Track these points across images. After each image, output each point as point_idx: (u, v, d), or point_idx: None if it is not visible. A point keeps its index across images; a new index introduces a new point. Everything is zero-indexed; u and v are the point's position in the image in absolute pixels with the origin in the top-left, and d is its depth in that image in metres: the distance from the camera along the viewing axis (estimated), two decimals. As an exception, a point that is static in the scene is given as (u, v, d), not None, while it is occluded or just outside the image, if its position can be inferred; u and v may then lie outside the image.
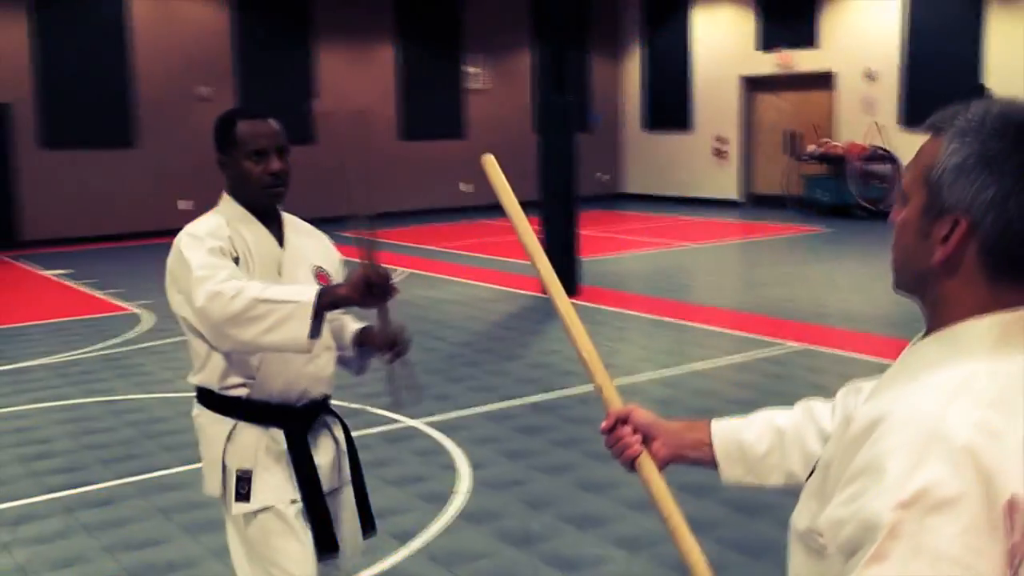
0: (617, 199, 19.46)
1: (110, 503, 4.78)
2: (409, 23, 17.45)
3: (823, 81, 16.47)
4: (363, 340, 2.73)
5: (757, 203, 17.58)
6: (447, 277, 11.06)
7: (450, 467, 5.21)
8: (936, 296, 1.17)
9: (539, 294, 9.72)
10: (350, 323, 2.78)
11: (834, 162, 15.72)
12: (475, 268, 11.70)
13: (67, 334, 8.55)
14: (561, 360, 7.23)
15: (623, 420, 1.60)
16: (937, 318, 1.17)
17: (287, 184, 2.63)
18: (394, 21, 17.36)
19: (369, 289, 2.31)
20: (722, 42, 17.81)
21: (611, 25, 19.66)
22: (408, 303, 9.33)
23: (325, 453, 2.67)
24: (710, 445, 1.58)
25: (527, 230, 1.85)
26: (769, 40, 17.02)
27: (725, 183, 18.05)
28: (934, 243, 1.14)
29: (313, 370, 2.59)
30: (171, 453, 5.44)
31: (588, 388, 6.51)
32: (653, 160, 19.21)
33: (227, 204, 2.62)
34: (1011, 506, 1.01)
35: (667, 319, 8.65)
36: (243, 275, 2.43)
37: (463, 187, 17.85)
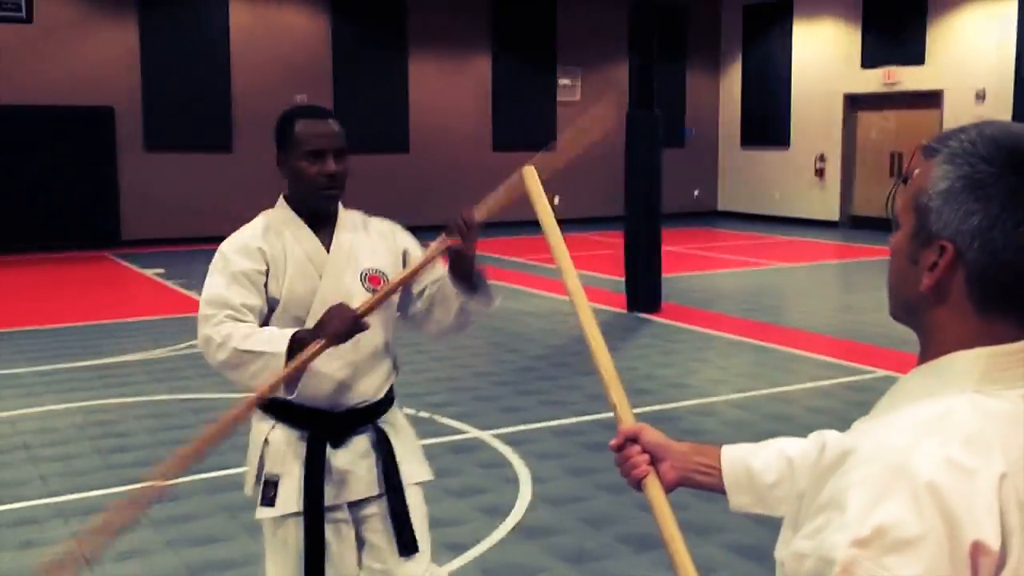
0: (711, 216, 19.21)
1: (178, 498, 4.89)
2: (504, 33, 17.57)
3: (930, 100, 15.97)
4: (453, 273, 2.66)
5: (856, 224, 17.13)
6: (529, 289, 11.07)
7: (512, 480, 5.19)
8: (926, 325, 1.13)
9: (622, 310, 9.66)
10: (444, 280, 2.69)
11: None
12: (559, 281, 11.63)
13: (156, 331, 8.81)
14: (636, 378, 7.14)
15: (632, 439, 1.57)
16: (927, 348, 1.13)
17: (342, 187, 2.61)
18: (489, 31, 17.50)
19: (336, 339, 2.37)
20: (824, 58, 17.46)
21: (710, 39, 19.45)
22: (489, 315, 9.35)
23: (358, 462, 2.64)
24: (719, 470, 1.56)
25: (560, 244, 1.89)
26: (874, 56, 16.60)
27: (823, 203, 17.64)
28: (922, 270, 1.11)
29: (344, 378, 2.57)
30: (242, 452, 5.51)
31: (659, 407, 6.44)
32: (749, 177, 18.92)
33: (279, 208, 2.66)
34: (976, 550, 0.97)
35: (750, 340, 8.47)
36: (253, 303, 2.51)
37: (554, 199, 17.86)
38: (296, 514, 2.56)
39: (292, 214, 2.62)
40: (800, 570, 1.03)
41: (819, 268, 13.11)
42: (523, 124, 17.79)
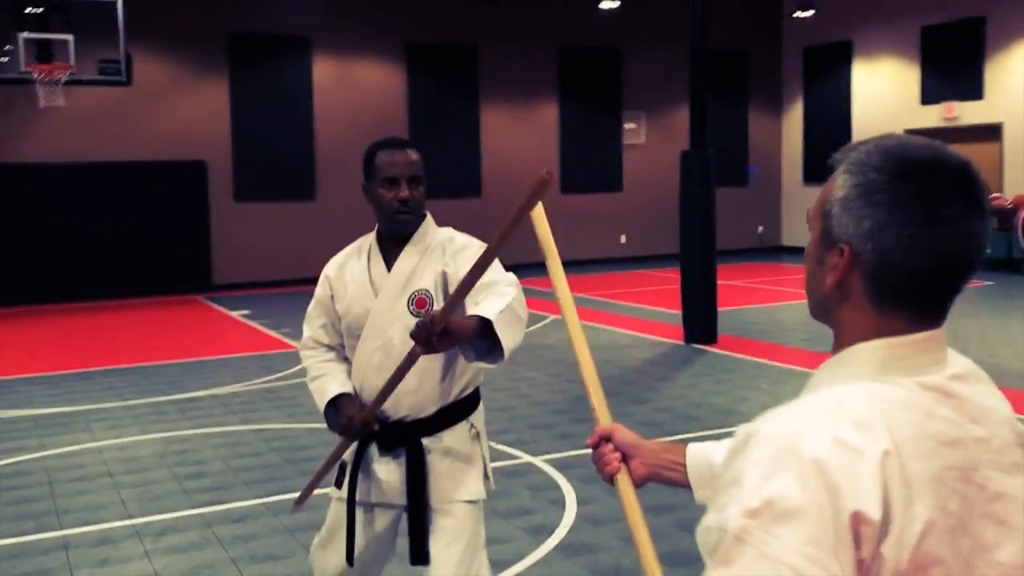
0: (776, 252, 19.27)
1: (244, 519, 5.27)
2: (571, 80, 18.02)
3: (990, 133, 15.93)
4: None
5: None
6: (591, 323, 11.33)
7: (559, 502, 5.43)
8: (834, 321, 1.21)
9: (678, 342, 9.87)
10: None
11: (1002, 216, 15.12)
12: (620, 316, 11.93)
13: (236, 368, 9.33)
14: (685, 405, 7.36)
15: (606, 438, 1.65)
16: (836, 342, 1.21)
17: (414, 212, 2.78)
18: (556, 78, 17.97)
19: (348, 432, 2.79)
20: (884, 95, 17.52)
21: (772, 80, 19.63)
22: (548, 347, 9.70)
23: (393, 471, 2.83)
24: (684, 467, 1.61)
25: (559, 274, 1.95)
26: (933, 93, 16.64)
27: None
28: (827, 271, 1.18)
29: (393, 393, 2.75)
30: (307, 477, 5.91)
31: (705, 433, 6.63)
32: (813, 213, 18.95)
33: (372, 232, 2.95)
34: (856, 520, 1.03)
35: (804, 369, 8.59)
36: (326, 321, 2.97)
37: (621, 238, 18.14)
38: (340, 499, 2.92)
39: (373, 238, 2.91)
40: (708, 542, 1.10)
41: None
42: (590, 167, 18.17)
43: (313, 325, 2.97)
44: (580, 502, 5.38)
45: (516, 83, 17.62)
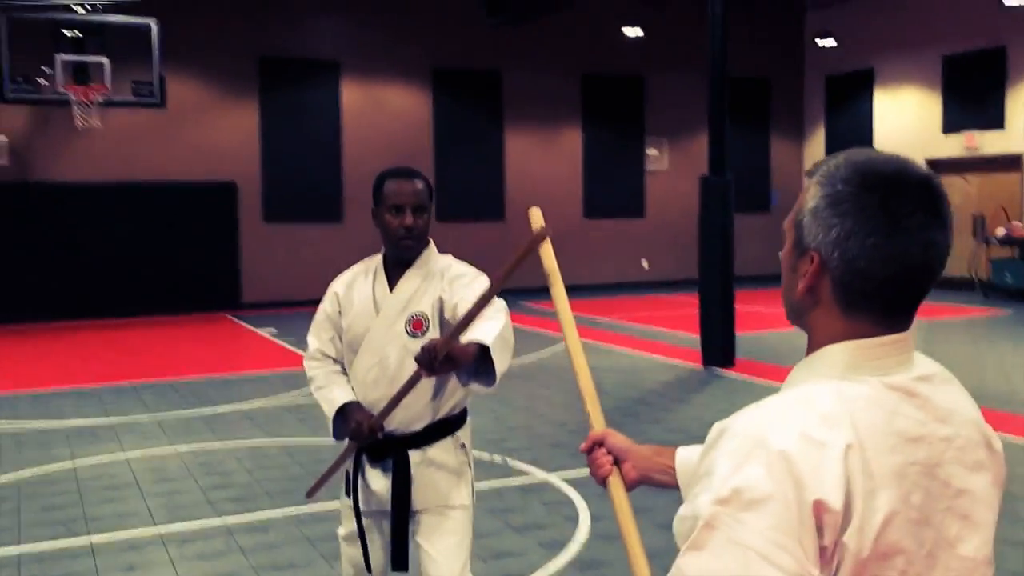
0: (802, 278, 19.29)
1: (267, 529, 5.44)
2: (594, 106, 18.24)
3: (1011, 163, 16.00)
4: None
5: (941, 286, 16.89)
6: (611, 347, 11.47)
7: (573, 518, 5.55)
8: (807, 325, 1.27)
9: (696, 365, 9.99)
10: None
11: (1022, 245, 15.13)
12: (640, 339, 12.06)
13: (262, 384, 9.53)
14: (701, 427, 7.47)
15: (599, 443, 1.69)
16: (809, 345, 1.26)
17: (417, 239, 2.94)
18: (580, 105, 18.19)
19: (356, 437, 2.93)
20: (906, 124, 17.61)
21: (793, 108, 19.77)
22: (566, 368, 9.80)
23: (381, 480, 3.00)
24: (674, 470, 1.66)
25: (562, 298, 2.01)
26: (955, 122, 16.72)
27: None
28: (800, 277, 1.25)
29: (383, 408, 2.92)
30: (328, 490, 6.08)
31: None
32: (836, 240, 19.00)
33: (377, 254, 3.12)
34: (819, 508, 1.08)
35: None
36: (332, 335, 3.12)
37: (643, 263, 18.27)
38: (348, 507, 3.09)
39: (377, 260, 3.09)
40: (682, 531, 1.15)
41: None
42: (612, 192, 18.34)
43: (321, 338, 3.13)
44: (594, 518, 5.50)
45: (540, 108, 17.85)
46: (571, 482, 6.18)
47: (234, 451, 7.13)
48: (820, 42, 18.33)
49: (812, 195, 1.24)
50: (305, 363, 3.18)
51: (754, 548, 1.07)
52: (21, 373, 10.68)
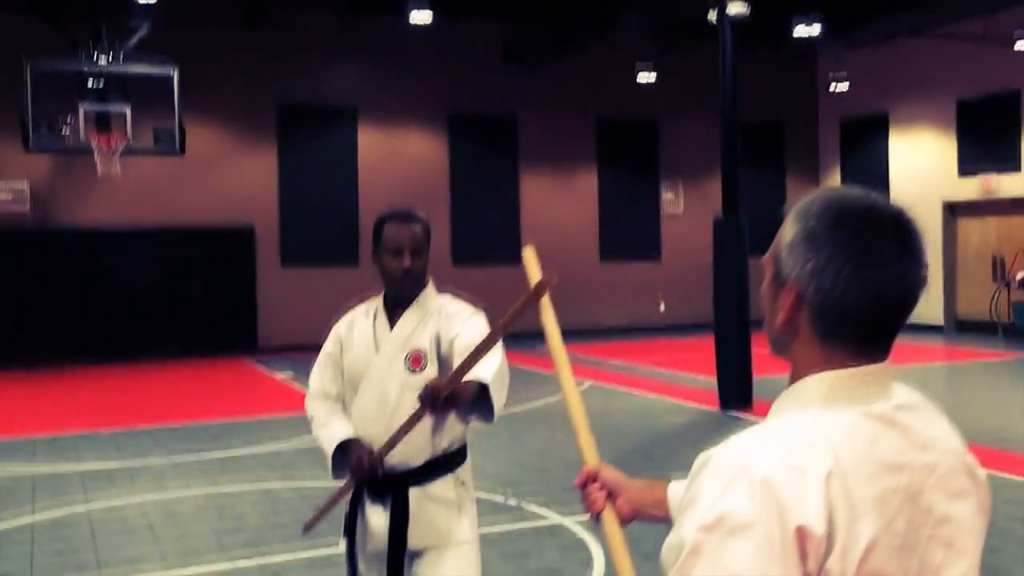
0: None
1: (278, 573, 5.42)
2: (609, 151, 18.35)
3: (1027, 205, 15.93)
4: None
5: (961, 328, 16.99)
6: (626, 389, 11.43)
7: (587, 562, 5.51)
8: (789, 356, 1.29)
9: (713, 408, 9.92)
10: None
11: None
12: (656, 382, 12.01)
13: (278, 428, 9.53)
14: (717, 471, 7.40)
15: (593, 478, 1.72)
16: (792, 376, 1.29)
17: (415, 280, 3.02)
18: (596, 149, 18.31)
19: (357, 472, 2.92)
20: (921, 167, 17.64)
21: (808, 151, 19.83)
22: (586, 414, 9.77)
23: (381, 519, 2.98)
24: (667, 503, 1.67)
25: (560, 349, 1.98)
26: (970, 165, 16.72)
27: (928, 307, 17.50)
28: (779, 310, 1.27)
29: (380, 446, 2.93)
30: (338, 533, 6.06)
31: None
32: (852, 283, 18.94)
33: (375, 296, 3.17)
34: (801, 533, 1.10)
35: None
36: (334, 374, 3.15)
37: (659, 306, 18.25)
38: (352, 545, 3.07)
39: (378, 301, 3.14)
40: (669, 560, 1.17)
41: (924, 370, 13.02)
42: (628, 235, 18.38)
43: (323, 377, 3.17)
44: (608, 563, 5.45)
45: (556, 152, 17.98)
46: (585, 526, 6.14)
47: (248, 494, 7.12)
48: (834, 86, 18.42)
49: (789, 230, 1.27)
50: (307, 402, 3.21)
51: (739, 574, 1.09)
52: (39, 416, 10.73)
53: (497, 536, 5.94)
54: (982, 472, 1.31)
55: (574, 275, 17.79)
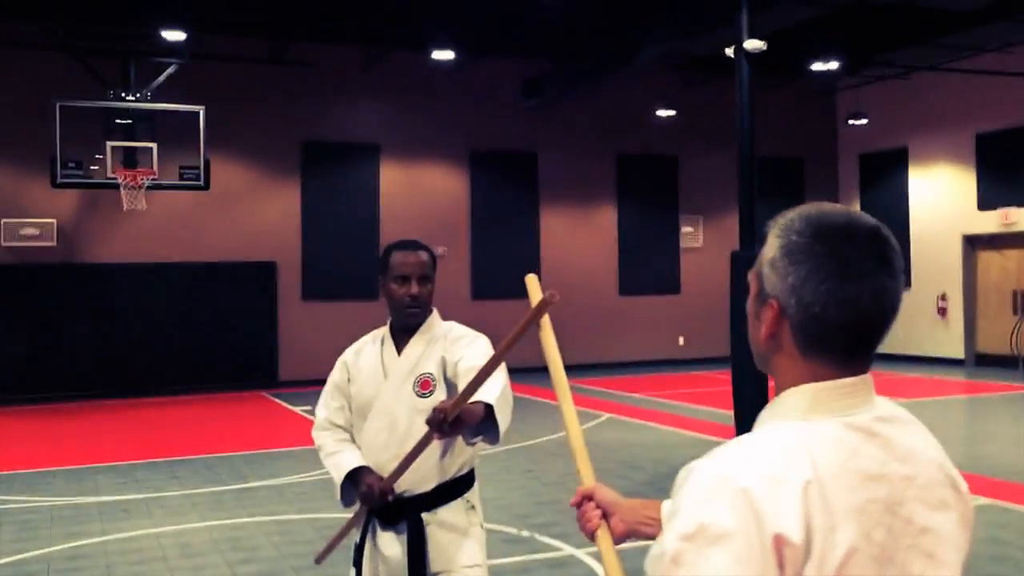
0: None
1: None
2: (628, 185, 18.43)
3: (1048, 240, 15.83)
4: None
5: (981, 362, 16.86)
6: (643, 422, 11.42)
7: (598, 594, 5.53)
8: (772, 370, 1.32)
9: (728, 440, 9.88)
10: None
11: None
12: (673, 415, 11.98)
13: (295, 461, 9.58)
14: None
15: (588, 497, 1.74)
16: (776, 388, 1.32)
17: (422, 307, 3.08)
18: (615, 184, 18.40)
19: (367, 500, 2.96)
20: (941, 201, 17.60)
21: (828, 185, 19.82)
22: (600, 445, 9.79)
23: (394, 546, 3.00)
24: (659, 522, 1.68)
25: (558, 364, 2.04)
26: (990, 199, 16.67)
27: (947, 341, 17.41)
28: (762, 324, 1.30)
29: (391, 470, 2.94)
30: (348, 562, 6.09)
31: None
32: (873, 317, 18.80)
33: (382, 327, 3.23)
34: (778, 541, 1.12)
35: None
36: (341, 403, 3.20)
37: (679, 340, 18.22)
38: None
39: (384, 329, 3.20)
40: (653, 571, 1.19)
41: (944, 403, 12.93)
42: (647, 269, 18.39)
43: (330, 407, 3.22)
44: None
45: (575, 188, 18.07)
46: (599, 558, 6.12)
47: (263, 525, 7.16)
48: (852, 122, 18.46)
49: (770, 247, 1.30)
50: (314, 433, 3.25)
51: None
52: (58, 448, 10.84)
53: (511, 567, 5.95)
54: (965, 485, 1.33)
55: (594, 309, 17.85)
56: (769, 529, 1.12)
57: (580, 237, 18.13)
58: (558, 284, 17.59)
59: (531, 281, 2.25)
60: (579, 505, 1.75)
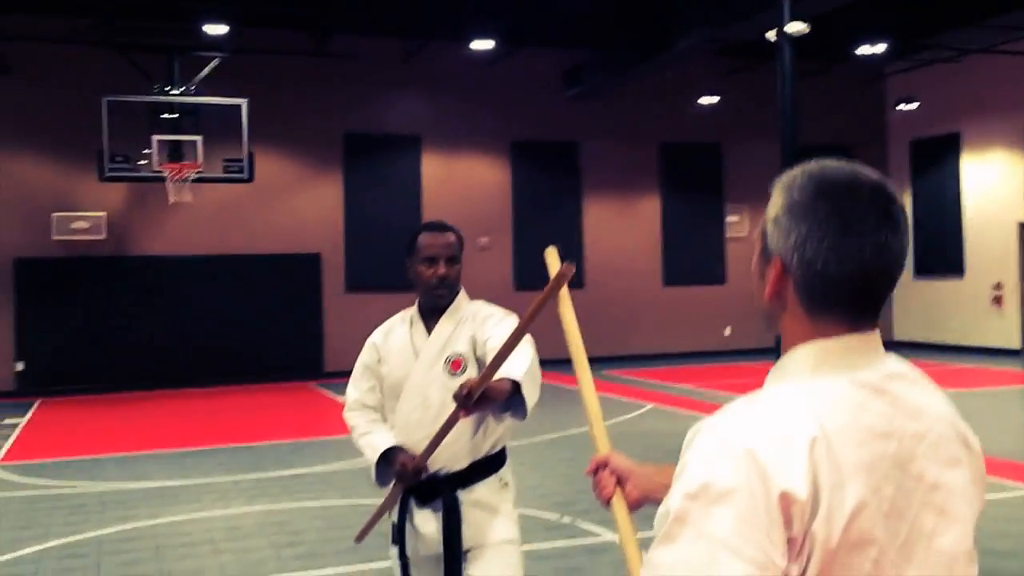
0: (887, 346, 18.70)
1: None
2: (672, 174, 18.30)
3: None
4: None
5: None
6: (686, 411, 11.34)
7: (639, 578, 5.50)
8: (779, 329, 1.31)
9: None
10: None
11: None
12: (717, 405, 11.83)
13: (339, 448, 9.64)
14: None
15: (603, 465, 1.75)
16: (783, 348, 1.30)
17: (450, 288, 3.10)
18: (658, 173, 18.28)
19: (401, 478, 3.00)
20: (995, 187, 17.23)
21: (879, 170, 19.37)
22: (643, 434, 9.76)
23: (430, 522, 3.05)
24: None
25: (578, 344, 2.07)
26: (1046, 184, 16.27)
27: (1002, 331, 17.06)
28: (766, 283, 1.29)
29: (425, 448, 2.97)
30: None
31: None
32: (923, 307, 18.51)
33: (410, 307, 3.25)
34: (784, 499, 1.11)
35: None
36: (372, 384, 3.22)
37: (724, 330, 18.07)
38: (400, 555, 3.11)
39: (413, 310, 3.22)
40: (659, 529, 1.19)
41: (1000, 394, 12.69)
42: (692, 259, 18.26)
43: (360, 388, 3.24)
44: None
45: (618, 178, 17.99)
46: (640, 543, 6.10)
47: (307, 510, 7.24)
48: (902, 107, 18.14)
49: (773, 204, 1.29)
50: (345, 414, 3.27)
51: (722, 541, 1.11)
52: (110, 437, 11.04)
53: (552, 553, 5.96)
54: (976, 442, 1.31)
55: (637, 300, 17.76)
56: (775, 487, 1.11)
57: (623, 227, 18.04)
58: (601, 274, 17.55)
59: (550, 254, 2.30)
60: (594, 473, 1.75)
